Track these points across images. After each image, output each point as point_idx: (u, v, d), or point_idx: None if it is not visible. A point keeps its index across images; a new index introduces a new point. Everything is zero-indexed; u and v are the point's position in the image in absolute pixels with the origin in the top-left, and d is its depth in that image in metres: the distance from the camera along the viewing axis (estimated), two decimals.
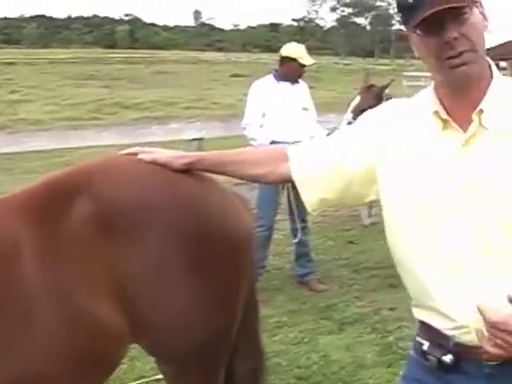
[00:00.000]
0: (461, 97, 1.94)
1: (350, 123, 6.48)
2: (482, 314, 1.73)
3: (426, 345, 2.06)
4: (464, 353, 1.97)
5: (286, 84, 6.61)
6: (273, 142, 6.24)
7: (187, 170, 2.37)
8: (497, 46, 61.20)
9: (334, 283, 6.81)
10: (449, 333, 1.98)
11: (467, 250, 1.89)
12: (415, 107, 2.09)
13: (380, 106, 2.27)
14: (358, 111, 6.54)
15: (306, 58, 6.60)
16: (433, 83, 2.04)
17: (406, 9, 1.89)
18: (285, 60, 6.60)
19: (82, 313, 2.27)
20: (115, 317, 2.30)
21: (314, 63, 6.80)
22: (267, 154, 2.39)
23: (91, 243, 2.26)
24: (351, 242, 8.27)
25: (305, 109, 6.73)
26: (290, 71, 6.60)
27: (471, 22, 1.84)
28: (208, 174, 2.45)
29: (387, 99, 6.52)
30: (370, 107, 6.30)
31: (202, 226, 2.36)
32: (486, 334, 1.73)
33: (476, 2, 1.89)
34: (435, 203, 1.94)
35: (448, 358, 1.98)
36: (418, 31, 1.88)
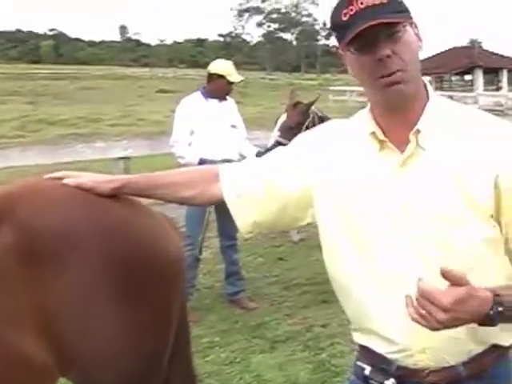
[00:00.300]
0: (397, 117, 1.93)
1: (277, 141, 6.47)
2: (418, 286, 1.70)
3: (367, 369, 2.03)
4: (407, 376, 1.95)
5: (214, 101, 6.56)
6: (201, 160, 6.21)
7: (114, 195, 2.29)
8: (421, 61, 62.05)
9: (264, 301, 6.76)
10: (391, 356, 1.97)
11: (406, 269, 1.87)
12: (352, 128, 2.07)
13: (316, 128, 2.25)
14: (285, 128, 6.57)
15: (234, 75, 6.57)
16: (368, 104, 2.03)
17: (340, 27, 1.87)
18: (213, 77, 6.55)
19: (8, 349, 2.16)
20: (42, 351, 2.19)
21: (241, 80, 6.78)
22: (198, 174, 2.32)
23: (15, 274, 2.15)
24: (281, 259, 8.23)
25: (233, 126, 6.70)
26: (218, 88, 6.56)
27: (405, 41, 1.84)
28: (135, 198, 2.37)
29: (314, 116, 6.54)
30: (298, 124, 6.35)
31: (130, 251, 2.28)
32: (415, 302, 1.69)
33: (411, 23, 1.89)
34: (373, 224, 1.93)
35: (391, 383, 1.96)
36: (352, 49, 1.86)
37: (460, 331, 1.85)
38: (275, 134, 6.61)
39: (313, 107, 6.70)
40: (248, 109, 29.50)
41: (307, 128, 6.42)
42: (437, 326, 1.67)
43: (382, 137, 1.94)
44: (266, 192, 2.11)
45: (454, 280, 1.66)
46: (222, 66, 6.60)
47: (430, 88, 1.99)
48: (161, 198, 2.30)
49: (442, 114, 1.94)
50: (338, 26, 1.88)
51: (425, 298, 1.65)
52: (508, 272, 1.92)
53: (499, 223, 1.87)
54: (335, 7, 1.89)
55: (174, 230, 2.55)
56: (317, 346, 5.56)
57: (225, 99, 6.68)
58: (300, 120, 6.60)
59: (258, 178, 2.14)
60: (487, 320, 1.73)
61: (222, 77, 6.49)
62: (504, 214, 1.86)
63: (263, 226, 2.22)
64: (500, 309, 1.72)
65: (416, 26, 1.93)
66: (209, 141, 6.37)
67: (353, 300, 2.03)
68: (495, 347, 1.97)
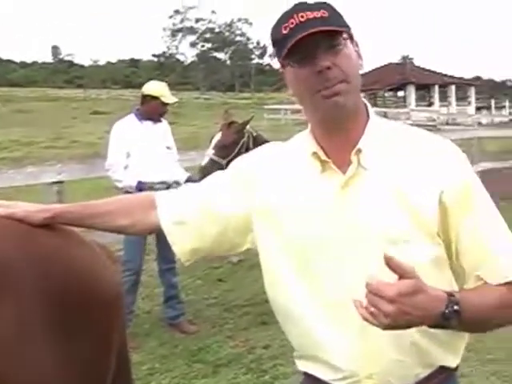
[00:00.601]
0: (338, 137, 1.90)
1: (211, 159, 6.42)
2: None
3: None
4: None
5: (149, 123, 6.51)
6: (139, 183, 6.16)
7: (48, 224, 2.19)
8: None
9: (205, 324, 6.71)
10: None
11: (351, 293, 1.79)
12: (292, 150, 2.04)
13: (255, 150, 2.19)
14: (220, 147, 6.54)
15: (168, 96, 6.53)
16: (309, 125, 1.99)
17: (280, 41, 1.84)
18: (147, 98, 6.50)
19: None
20: None
21: (176, 101, 6.73)
22: (134, 202, 2.23)
23: None
24: (220, 280, 8.19)
25: (168, 148, 6.66)
26: (153, 110, 6.50)
27: (345, 54, 1.83)
28: (70, 227, 2.28)
29: (249, 135, 6.53)
30: (232, 143, 6.33)
31: (65, 284, 2.18)
32: (364, 302, 1.64)
33: (352, 39, 1.88)
34: (315, 248, 1.89)
35: None
36: (291, 62, 1.84)
37: (406, 354, 1.84)
38: (209, 152, 6.57)
39: (247, 126, 6.68)
40: (182, 129, 29.46)
41: (242, 147, 6.44)
42: (385, 320, 1.60)
43: (324, 157, 1.90)
44: (204, 217, 2.05)
45: (400, 270, 1.62)
46: (156, 88, 6.56)
47: (369, 107, 1.98)
48: (97, 228, 2.20)
49: (383, 132, 1.93)
50: (278, 41, 1.86)
51: (373, 293, 1.61)
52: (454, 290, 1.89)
53: (444, 240, 1.86)
54: (276, 23, 1.87)
55: (110, 259, 2.46)
56: (259, 368, 5.52)
57: (159, 121, 6.64)
58: (234, 139, 6.58)
59: (195, 204, 2.08)
60: (442, 320, 1.68)
61: (156, 98, 6.44)
62: (450, 230, 1.85)
63: (202, 252, 2.15)
64: (456, 307, 1.69)
65: (357, 44, 1.92)
66: (145, 163, 6.32)
67: (296, 326, 1.98)
68: (442, 369, 1.94)
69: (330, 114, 1.85)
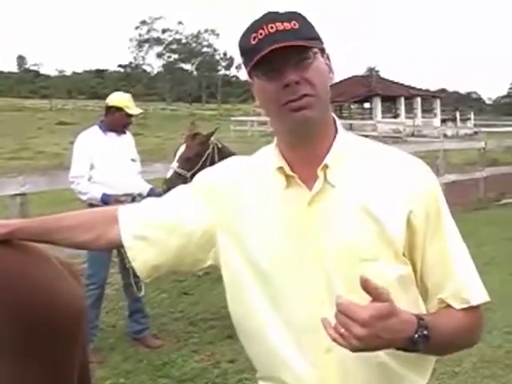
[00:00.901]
0: (305, 151, 1.86)
1: (176, 172, 6.36)
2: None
3: None
4: None
5: (113, 134, 6.44)
6: (104, 195, 6.08)
7: (6, 240, 2.12)
8: None
9: (170, 338, 6.64)
10: None
11: (317, 314, 1.74)
12: (257, 164, 1.99)
13: (219, 163, 2.13)
14: (184, 159, 6.46)
15: (132, 108, 6.47)
16: (275, 139, 1.95)
17: (248, 51, 1.80)
18: (111, 110, 6.43)
19: None
20: None
21: (140, 113, 6.68)
22: (96, 217, 2.17)
23: None
24: (185, 293, 8.11)
25: (133, 160, 6.60)
26: (117, 121, 6.44)
27: (315, 68, 1.79)
28: (30, 242, 2.21)
29: (214, 146, 6.47)
30: (196, 155, 6.25)
31: (23, 304, 2.11)
32: (332, 322, 1.60)
33: (323, 52, 1.85)
34: (280, 267, 1.84)
35: None
36: (259, 74, 1.80)
37: (373, 375, 1.81)
38: (174, 165, 6.49)
39: (212, 138, 6.62)
40: (148, 140, 29.37)
41: (206, 159, 6.39)
42: (356, 343, 1.56)
43: (289, 172, 1.86)
44: (166, 233, 2.00)
45: (375, 293, 1.58)
46: (120, 99, 6.49)
47: (337, 121, 1.94)
48: (57, 244, 2.13)
49: (351, 148, 1.89)
50: (246, 51, 1.82)
51: (343, 313, 1.56)
52: (419, 310, 1.86)
53: (410, 260, 1.84)
54: (245, 32, 1.82)
55: (72, 276, 2.40)
56: (225, 383, 5.47)
57: (123, 132, 6.58)
58: (199, 151, 6.50)
59: (157, 219, 2.03)
60: (411, 344, 1.65)
61: (120, 109, 6.38)
62: (416, 251, 1.83)
63: (163, 268, 2.09)
64: (425, 332, 1.66)
65: (328, 57, 1.89)
66: (109, 175, 6.25)
67: (259, 346, 1.93)
68: None
69: (297, 127, 1.81)
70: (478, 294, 1.87)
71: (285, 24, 1.76)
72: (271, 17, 1.78)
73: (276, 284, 1.85)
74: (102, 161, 6.25)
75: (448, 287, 1.84)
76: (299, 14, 1.82)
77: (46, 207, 13.13)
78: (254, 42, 1.77)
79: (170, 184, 5.88)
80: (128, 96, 6.59)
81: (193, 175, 5.75)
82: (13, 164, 23.26)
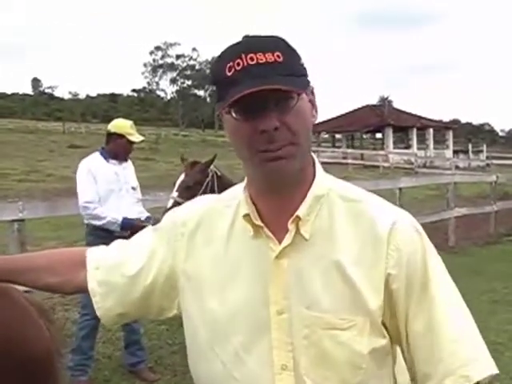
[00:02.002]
0: (276, 199, 1.65)
1: (176, 201, 6.19)
2: None
3: None
4: None
5: (115, 162, 6.31)
6: (125, 220, 6.04)
7: None
8: (332, 119, 63.98)
9: (167, 371, 6.47)
10: None
11: (278, 376, 1.61)
12: (227, 206, 1.78)
13: (188, 204, 1.92)
14: (183, 188, 6.32)
15: (134, 135, 6.35)
16: (245, 179, 1.75)
17: (222, 83, 1.57)
18: (113, 137, 6.31)
19: None
20: None
21: (142, 140, 6.54)
22: (65, 258, 2.00)
23: None
24: None
25: (133, 188, 6.47)
26: (120, 148, 6.32)
27: (297, 110, 1.56)
28: None
29: (213, 174, 6.34)
30: (196, 183, 6.10)
31: None
32: None
33: (308, 87, 1.63)
34: (241, 326, 1.65)
35: None
36: (234, 113, 1.56)
37: None
38: (174, 195, 6.36)
39: (212, 166, 6.48)
40: (159, 165, 29.36)
41: (206, 187, 6.26)
42: None
43: (257, 221, 1.66)
44: (131, 281, 1.83)
45: None
46: (122, 125, 6.38)
47: (318, 165, 1.72)
48: (24, 285, 1.99)
49: (329, 197, 1.68)
50: (219, 82, 1.59)
51: None
52: (398, 381, 1.71)
53: (394, 331, 1.64)
54: (219, 57, 1.59)
55: (42, 318, 2.24)
56: None
57: (125, 160, 6.45)
58: (198, 179, 6.36)
59: (123, 265, 1.86)
60: None
61: (122, 136, 6.26)
62: (400, 321, 1.62)
63: (129, 316, 1.95)
64: None
65: (312, 92, 1.67)
66: (114, 204, 6.15)
67: None
68: None
69: (271, 178, 1.61)
70: (482, 368, 1.58)
71: (267, 55, 1.52)
72: (251, 44, 1.55)
73: (234, 345, 1.66)
74: (105, 189, 6.14)
75: (441, 365, 1.58)
76: (283, 40, 1.59)
77: (49, 232, 13.15)
78: (229, 74, 1.54)
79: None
80: (130, 123, 6.47)
81: None
82: (21, 186, 23.25)
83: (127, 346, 6.47)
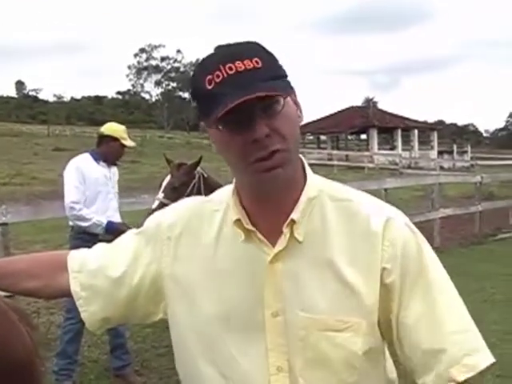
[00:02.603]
0: (269, 203, 1.63)
1: (161, 203, 6.15)
2: None
3: None
4: None
5: (104, 165, 6.29)
6: (109, 223, 6.02)
7: None
8: (317, 121, 64.08)
9: (153, 374, 6.45)
10: None
11: (274, 377, 1.60)
12: (215, 209, 1.75)
13: (178, 205, 1.89)
14: (170, 190, 6.30)
15: (128, 140, 6.33)
16: (234, 182, 1.71)
17: (203, 97, 1.52)
18: (105, 139, 6.27)
19: None
20: None
21: (134, 146, 6.51)
22: (45, 262, 1.96)
23: None
24: None
25: (117, 193, 6.50)
26: (112, 151, 6.28)
27: (285, 114, 1.53)
28: None
29: (200, 176, 6.32)
30: (182, 184, 6.07)
31: None
32: None
33: (291, 88, 1.60)
34: (231, 334, 1.64)
35: None
36: (221, 127, 1.51)
37: None
38: (159, 196, 6.33)
39: (198, 168, 6.45)
40: (145, 168, 29.28)
41: (193, 188, 6.25)
42: None
43: (248, 226, 1.63)
44: (115, 284, 1.80)
45: None
46: (117, 129, 6.35)
47: (307, 168, 1.70)
48: (3, 290, 1.94)
49: (320, 198, 1.66)
50: (201, 96, 1.54)
51: None
52: (390, 381, 1.71)
53: (385, 318, 1.61)
54: (196, 71, 1.56)
55: (23, 323, 2.22)
56: None
57: (114, 164, 6.43)
58: (184, 181, 6.34)
59: (107, 269, 1.83)
60: None
61: (115, 140, 6.22)
62: (391, 306, 1.60)
63: (114, 320, 1.91)
64: None
65: (295, 93, 1.63)
66: (100, 207, 6.14)
67: None
68: None
69: (265, 186, 1.58)
70: (484, 357, 1.57)
71: (245, 62, 1.49)
72: (228, 53, 1.52)
73: (228, 348, 1.65)
74: (94, 190, 6.12)
75: (444, 355, 1.56)
76: (258, 45, 1.57)
77: (33, 235, 13.08)
78: (209, 87, 1.50)
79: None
80: (123, 127, 6.45)
81: None
82: (5, 189, 23.13)
83: (113, 349, 6.44)
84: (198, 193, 5.95)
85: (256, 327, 1.62)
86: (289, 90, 1.58)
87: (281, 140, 1.52)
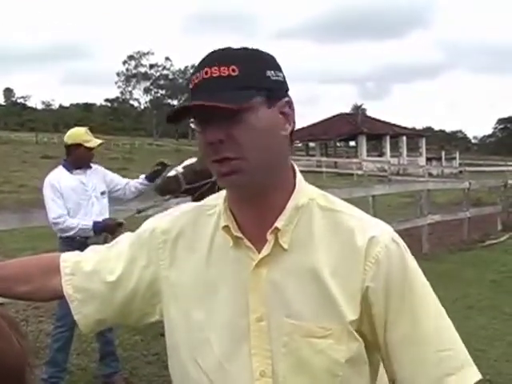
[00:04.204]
0: (251, 209, 1.66)
1: (175, 176, 5.79)
2: None
3: None
4: None
5: (79, 171, 6.28)
6: (95, 224, 5.99)
7: None
8: (306, 128, 64.19)
9: (142, 382, 6.40)
10: None
11: (257, 382, 1.62)
12: (208, 213, 1.79)
13: (173, 210, 1.91)
14: (190, 170, 5.96)
15: (91, 141, 6.30)
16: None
17: (189, 95, 1.62)
18: (70, 148, 6.27)
19: None
20: None
21: (101, 143, 6.47)
22: (36, 265, 1.96)
23: None
24: (162, 335, 7.74)
25: (102, 193, 6.43)
26: (80, 157, 6.27)
27: (248, 125, 1.54)
28: None
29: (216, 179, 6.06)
30: (202, 172, 5.82)
31: None
32: None
33: (270, 100, 1.58)
34: (221, 335, 1.66)
35: None
36: (193, 124, 1.60)
37: None
38: (179, 169, 6.00)
39: None
40: (134, 175, 29.20)
41: (207, 183, 5.90)
42: None
43: (236, 232, 1.66)
44: (110, 287, 1.82)
45: None
46: (77, 134, 6.33)
47: (298, 175, 1.71)
48: None
49: (308, 207, 1.68)
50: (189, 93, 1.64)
51: None
52: None
53: (372, 336, 1.64)
54: (194, 68, 1.62)
55: (12, 331, 2.22)
56: None
57: (89, 167, 6.41)
58: (206, 172, 5.95)
59: (101, 271, 1.85)
60: None
61: (79, 145, 6.22)
62: (376, 326, 1.62)
63: (108, 322, 1.94)
64: None
65: (289, 105, 1.63)
66: (83, 214, 6.12)
67: None
68: None
69: (233, 192, 1.65)
70: (469, 376, 1.59)
71: (222, 69, 1.53)
72: (213, 57, 1.58)
73: (215, 354, 1.67)
74: (73, 201, 6.10)
75: (427, 374, 1.58)
76: (250, 53, 1.60)
77: (23, 243, 13.04)
78: (191, 86, 1.60)
79: (167, 183, 5.77)
80: (84, 129, 6.41)
81: (186, 189, 5.62)
82: None
83: (102, 357, 6.41)
84: (207, 193, 5.68)
85: (241, 332, 1.64)
86: (258, 100, 1.56)
87: (236, 148, 1.54)
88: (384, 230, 1.68)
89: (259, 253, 1.64)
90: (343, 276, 1.60)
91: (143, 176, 6.78)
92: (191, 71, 1.69)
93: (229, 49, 1.60)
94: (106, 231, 5.96)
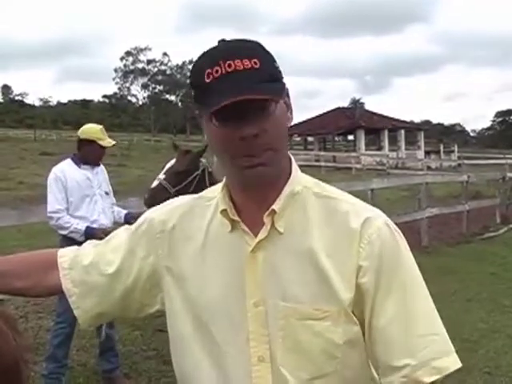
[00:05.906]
0: (254, 196, 1.69)
1: (160, 184, 5.98)
2: None
3: None
4: None
5: (87, 167, 6.26)
6: (88, 229, 5.96)
7: None
8: (304, 122, 64.05)
9: (142, 377, 6.42)
10: None
11: (255, 367, 1.64)
12: (206, 204, 1.82)
13: (168, 202, 1.94)
14: (172, 173, 6.05)
15: (105, 140, 6.28)
16: (225, 178, 1.77)
17: (201, 89, 1.59)
18: (83, 143, 6.25)
19: None
20: None
21: (113, 145, 6.47)
22: (34, 261, 1.99)
23: None
24: (160, 331, 7.73)
25: (107, 193, 6.45)
26: (91, 154, 6.25)
27: (275, 116, 1.58)
28: None
29: (205, 169, 6.10)
30: (186, 170, 5.86)
31: None
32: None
33: (284, 91, 1.64)
34: (220, 320, 1.69)
35: None
36: (214, 120, 1.57)
37: None
38: (160, 177, 6.10)
39: (204, 160, 6.24)
40: (131, 171, 29.22)
41: (194, 179, 6.00)
42: None
43: (234, 216, 1.69)
44: (109, 279, 1.84)
45: None
46: (93, 131, 6.31)
47: (294, 164, 1.75)
48: None
49: (303, 194, 1.72)
50: (198, 87, 1.60)
51: None
52: (369, 373, 1.71)
53: (361, 317, 1.65)
54: (197, 62, 1.60)
55: (9, 328, 2.21)
56: None
57: (97, 165, 6.40)
58: (188, 168, 6.07)
59: (100, 265, 1.86)
60: None
61: (92, 142, 6.20)
62: (365, 306, 1.63)
63: (108, 316, 1.96)
64: None
65: (288, 95, 1.68)
66: (86, 210, 6.12)
67: None
68: None
69: (249, 183, 1.65)
70: (451, 361, 1.62)
71: (244, 62, 1.53)
72: (229, 50, 1.57)
73: (215, 338, 1.69)
74: (78, 195, 6.10)
75: (413, 358, 1.60)
76: (260, 45, 1.62)
77: (21, 240, 13.03)
78: (207, 80, 1.55)
79: (153, 194, 5.76)
80: (100, 128, 6.39)
81: (177, 192, 5.58)
82: None
83: (102, 352, 6.41)
84: (199, 185, 5.69)
85: (239, 317, 1.66)
86: (282, 92, 1.62)
87: (268, 141, 1.58)
88: (377, 214, 1.72)
89: (256, 237, 1.66)
90: (339, 258, 1.63)
91: (125, 211, 6.76)
92: (189, 66, 1.69)
93: (238, 40, 1.62)
94: (95, 238, 5.94)
